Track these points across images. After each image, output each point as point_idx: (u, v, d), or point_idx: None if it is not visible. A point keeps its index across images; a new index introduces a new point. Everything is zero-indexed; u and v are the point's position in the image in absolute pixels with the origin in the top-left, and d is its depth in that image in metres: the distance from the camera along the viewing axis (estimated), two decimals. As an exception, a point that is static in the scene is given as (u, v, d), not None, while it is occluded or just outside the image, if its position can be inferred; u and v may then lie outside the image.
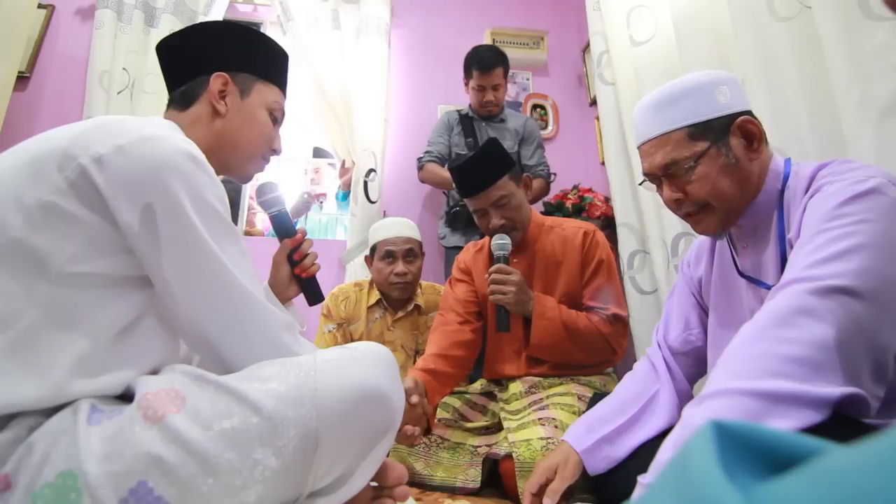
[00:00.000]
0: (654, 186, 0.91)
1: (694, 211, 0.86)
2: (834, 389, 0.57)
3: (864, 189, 0.68)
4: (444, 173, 2.12)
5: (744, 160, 0.82)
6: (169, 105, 0.85)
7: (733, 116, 0.82)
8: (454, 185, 1.47)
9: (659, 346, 1.02)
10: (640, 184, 0.95)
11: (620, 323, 1.34)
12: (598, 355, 1.35)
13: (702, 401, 0.63)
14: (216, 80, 0.82)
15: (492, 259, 1.39)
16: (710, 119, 0.81)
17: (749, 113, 0.83)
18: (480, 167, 1.37)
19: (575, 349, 1.31)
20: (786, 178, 0.82)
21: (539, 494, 0.88)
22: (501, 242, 1.33)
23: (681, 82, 0.85)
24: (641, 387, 0.97)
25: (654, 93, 0.87)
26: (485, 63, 2.09)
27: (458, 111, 2.28)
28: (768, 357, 0.60)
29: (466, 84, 2.21)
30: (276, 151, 0.91)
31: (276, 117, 0.90)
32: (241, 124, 0.84)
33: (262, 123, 0.87)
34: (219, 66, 0.83)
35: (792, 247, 0.75)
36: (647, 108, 0.87)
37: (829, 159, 0.80)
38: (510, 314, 1.29)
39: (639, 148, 0.90)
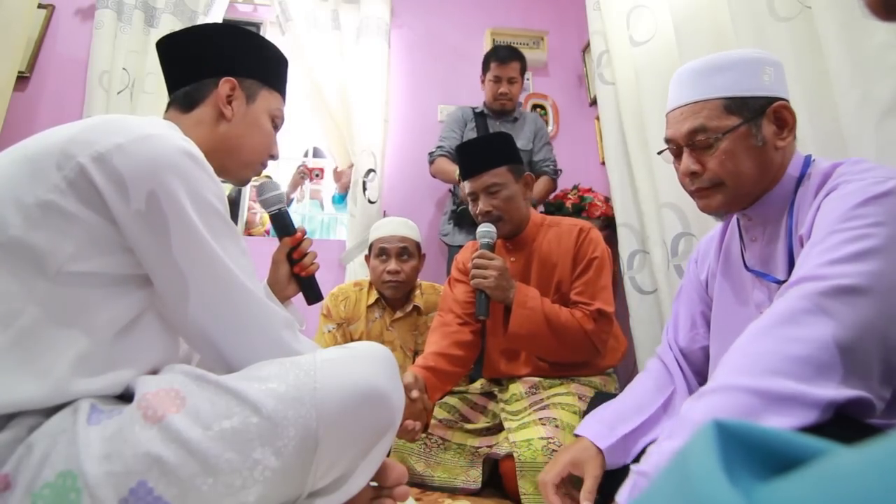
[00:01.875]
0: (671, 158, 0.89)
1: (706, 187, 0.83)
2: (836, 392, 0.56)
3: (882, 190, 0.67)
4: (453, 167, 2.13)
5: (770, 146, 0.80)
6: (170, 105, 0.85)
7: (771, 100, 0.80)
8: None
9: (669, 346, 1.01)
10: (659, 152, 0.92)
11: (605, 320, 1.31)
12: (579, 352, 1.32)
13: (701, 396, 0.63)
14: (225, 85, 0.83)
15: None
16: (749, 96, 0.80)
17: (785, 100, 0.82)
18: (482, 151, 1.39)
19: (555, 342, 1.28)
20: (802, 174, 0.81)
21: (559, 485, 0.84)
22: (486, 230, 1.34)
23: (728, 54, 0.83)
24: (658, 385, 0.96)
25: (698, 60, 0.85)
26: (502, 55, 2.16)
27: (472, 108, 2.30)
28: (771, 355, 0.60)
29: (483, 81, 2.25)
30: (273, 157, 0.92)
31: (277, 124, 0.91)
32: (245, 130, 0.85)
33: (265, 130, 0.88)
34: (227, 71, 0.84)
35: (801, 243, 0.74)
36: (687, 74, 0.84)
37: (837, 159, 0.79)
38: (492, 301, 1.28)
39: (668, 114, 0.87)
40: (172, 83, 0.86)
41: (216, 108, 0.82)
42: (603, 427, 0.88)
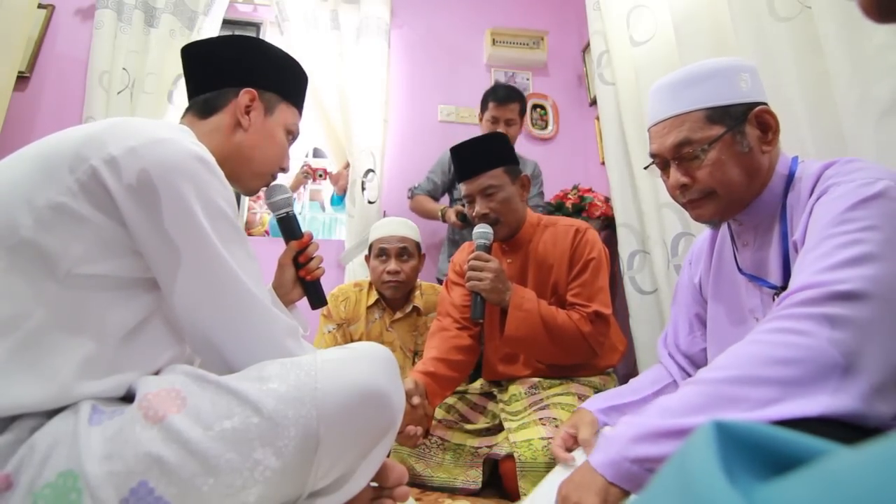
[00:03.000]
0: (658, 172, 0.89)
1: (697, 198, 0.84)
2: (803, 404, 0.56)
3: (871, 193, 0.66)
4: (431, 204, 2.18)
5: (756, 151, 0.80)
6: (188, 110, 0.85)
7: (752, 105, 0.80)
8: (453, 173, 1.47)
9: (670, 354, 1.02)
10: (645, 167, 0.93)
11: (602, 322, 1.30)
12: (576, 354, 1.31)
13: (679, 388, 0.65)
14: (245, 95, 0.84)
15: None
16: (730, 104, 0.80)
17: (765, 104, 0.82)
18: (478, 152, 1.38)
19: (551, 345, 1.27)
20: (791, 177, 0.81)
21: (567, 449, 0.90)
22: (483, 231, 1.33)
23: (703, 65, 0.83)
24: (657, 378, 0.99)
25: (674, 74, 0.84)
26: (501, 95, 2.07)
27: None
28: (755, 357, 0.61)
29: (480, 120, 2.18)
30: (284, 170, 0.93)
31: (292, 138, 0.93)
32: (259, 141, 0.86)
33: (279, 143, 0.89)
34: (248, 82, 0.85)
35: (796, 248, 0.74)
36: (665, 87, 0.85)
37: (831, 159, 0.79)
38: (488, 304, 1.28)
39: (650, 129, 0.87)
40: (193, 89, 0.87)
41: (234, 116, 0.83)
42: (598, 399, 0.97)
